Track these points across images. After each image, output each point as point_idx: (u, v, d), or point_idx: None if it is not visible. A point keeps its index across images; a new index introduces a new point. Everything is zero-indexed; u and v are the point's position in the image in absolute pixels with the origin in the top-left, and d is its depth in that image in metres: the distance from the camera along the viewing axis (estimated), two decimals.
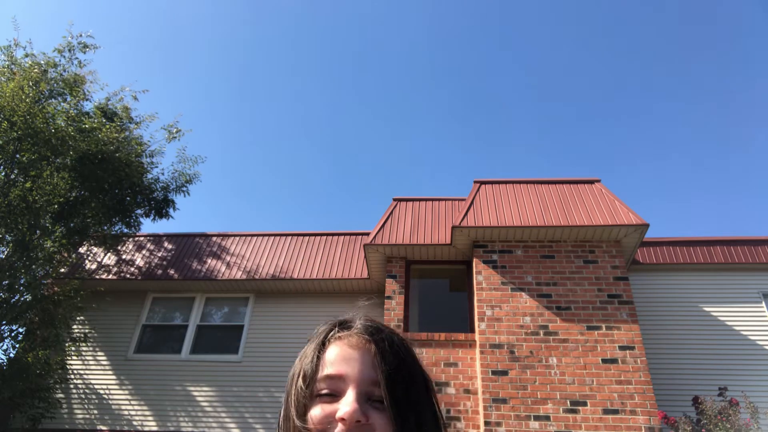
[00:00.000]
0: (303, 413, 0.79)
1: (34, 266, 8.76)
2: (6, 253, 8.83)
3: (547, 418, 7.39)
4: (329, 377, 0.80)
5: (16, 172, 9.21)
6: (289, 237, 11.25)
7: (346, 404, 0.76)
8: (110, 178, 9.99)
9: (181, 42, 31.39)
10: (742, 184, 28.70)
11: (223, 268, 10.67)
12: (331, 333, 0.87)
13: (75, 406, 9.74)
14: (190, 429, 9.41)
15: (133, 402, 9.71)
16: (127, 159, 10.18)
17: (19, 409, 8.71)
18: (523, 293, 8.41)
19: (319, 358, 0.84)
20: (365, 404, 0.77)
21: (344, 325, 0.88)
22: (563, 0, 28.05)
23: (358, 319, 0.89)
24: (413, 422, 0.78)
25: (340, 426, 0.75)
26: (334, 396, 0.79)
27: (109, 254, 11.12)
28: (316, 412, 0.78)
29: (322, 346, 0.85)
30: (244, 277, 10.45)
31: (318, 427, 0.76)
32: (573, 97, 31.00)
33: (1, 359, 8.89)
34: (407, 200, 10.28)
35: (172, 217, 11.29)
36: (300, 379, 0.83)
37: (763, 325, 9.34)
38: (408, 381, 0.82)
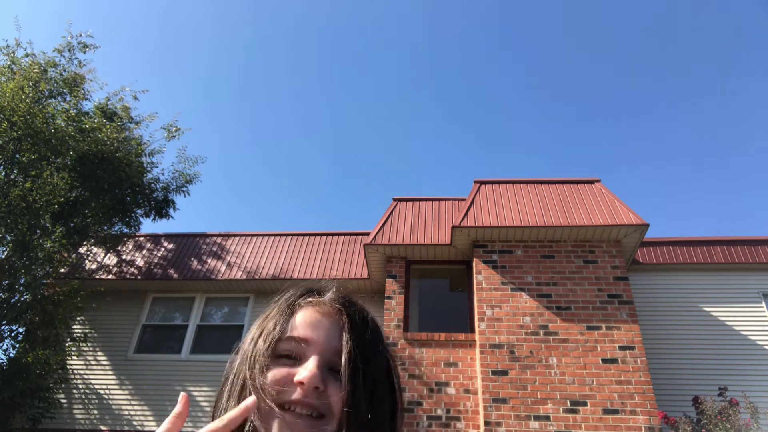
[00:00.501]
0: (259, 375, 0.76)
1: (34, 266, 8.76)
2: (6, 253, 8.83)
3: (547, 418, 7.39)
4: (293, 339, 0.78)
5: (16, 172, 9.21)
6: (289, 237, 11.25)
7: (306, 369, 0.74)
8: (110, 178, 9.99)
9: (181, 42, 31.38)
10: (742, 184, 28.70)
11: (223, 268, 10.67)
12: (302, 298, 0.85)
13: (75, 406, 9.74)
14: (190, 429, 9.41)
15: (133, 402, 9.70)
16: (127, 159, 10.18)
17: (19, 409, 8.71)
18: (523, 293, 8.41)
19: (286, 321, 0.81)
20: (326, 373, 0.75)
21: (315, 292, 0.86)
22: (563, 0, 28.04)
23: (331, 289, 0.87)
24: (367, 400, 0.76)
25: (297, 390, 0.73)
26: (295, 360, 0.77)
27: (109, 254, 11.12)
28: (273, 374, 0.76)
29: (292, 310, 0.83)
30: (244, 277, 10.45)
31: (275, 388, 0.74)
32: (573, 97, 31.00)
33: (1, 359, 8.89)
34: (407, 200, 10.28)
35: (172, 217, 11.32)
36: (261, 340, 0.80)
37: (763, 325, 9.34)
38: (371, 357, 0.79)
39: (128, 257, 11.14)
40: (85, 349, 10.17)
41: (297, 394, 0.73)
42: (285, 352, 0.78)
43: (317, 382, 0.73)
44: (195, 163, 11.39)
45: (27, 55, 10.15)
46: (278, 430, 0.72)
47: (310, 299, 0.84)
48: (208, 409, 9.52)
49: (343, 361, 0.76)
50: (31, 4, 26.87)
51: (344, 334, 0.78)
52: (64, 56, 10.46)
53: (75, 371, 9.92)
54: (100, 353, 10.26)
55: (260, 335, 0.81)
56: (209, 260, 10.91)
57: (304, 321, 0.80)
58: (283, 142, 33.99)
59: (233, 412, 0.68)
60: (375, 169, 34.04)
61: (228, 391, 0.81)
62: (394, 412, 0.82)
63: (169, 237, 11.60)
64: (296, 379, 0.74)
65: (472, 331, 8.61)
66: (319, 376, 0.73)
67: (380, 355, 0.83)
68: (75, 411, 9.68)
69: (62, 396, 9.61)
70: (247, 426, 0.75)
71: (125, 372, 10.02)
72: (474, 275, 8.76)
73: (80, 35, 10.60)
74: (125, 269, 10.84)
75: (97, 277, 10.61)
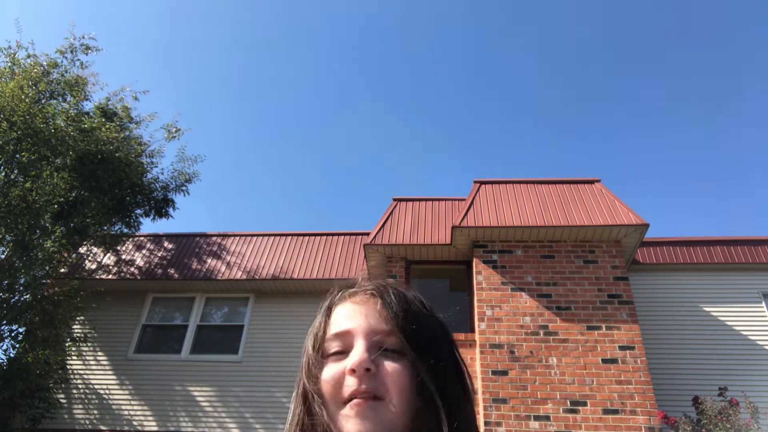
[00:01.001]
0: (316, 379, 0.78)
1: (34, 266, 8.76)
2: (6, 253, 8.83)
3: (547, 418, 7.38)
4: (337, 335, 0.80)
5: (16, 172, 9.21)
6: (289, 237, 11.25)
7: (355, 355, 0.75)
8: (110, 178, 9.99)
9: (182, 42, 31.39)
10: (742, 184, 28.72)
11: (223, 268, 10.67)
12: (337, 296, 0.87)
13: (75, 406, 9.73)
14: (190, 429, 9.41)
15: (133, 402, 9.70)
16: (127, 159, 10.18)
17: (19, 409, 8.71)
18: (523, 293, 8.41)
19: (326, 322, 0.84)
20: (376, 354, 0.75)
21: (349, 287, 0.88)
22: (563, 1, 28.05)
23: (362, 280, 0.88)
24: (430, 363, 0.76)
25: (349, 378, 0.74)
26: (344, 353, 0.78)
27: (108, 254, 11.12)
28: (327, 371, 0.77)
29: (329, 311, 0.85)
30: (244, 277, 10.44)
31: (330, 384, 0.76)
32: (573, 96, 31.02)
33: (1, 359, 8.90)
34: (407, 200, 10.28)
35: (171, 217, 11.32)
36: (310, 347, 0.83)
37: (763, 325, 9.34)
38: (418, 323, 0.79)
39: (128, 257, 11.14)
40: (85, 349, 10.17)
41: (353, 383, 0.73)
42: (334, 350, 0.79)
43: (367, 364, 0.73)
44: (194, 162, 11.40)
45: (29, 56, 10.15)
46: (346, 423, 0.73)
47: (344, 294, 0.86)
48: (209, 409, 9.53)
49: (392, 330, 0.76)
50: (34, 4, 26.89)
51: (383, 312, 0.79)
52: (66, 57, 10.46)
53: (75, 371, 9.92)
54: (100, 353, 10.26)
55: (310, 343, 0.84)
56: (209, 260, 10.91)
57: (342, 315, 0.82)
58: (283, 142, 34.03)
59: None
60: (375, 169, 34.08)
61: (295, 397, 0.83)
62: (461, 373, 0.82)
63: (169, 237, 11.60)
64: (347, 368, 0.75)
65: (472, 331, 8.61)
66: (368, 359, 0.74)
67: (426, 318, 0.82)
68: (75, 411, 9.68)
69: (62, 396, 9.61)
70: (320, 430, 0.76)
71: (125, 372, 10.02)
72: (474, 275, 8.75)
73: (83, 37, 10.61)
74: (125, 269, 10.84)
75: (97, 277, 10.61)
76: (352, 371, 0.73)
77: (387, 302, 0.81)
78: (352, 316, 0.81)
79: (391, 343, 0.76)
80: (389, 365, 0.75)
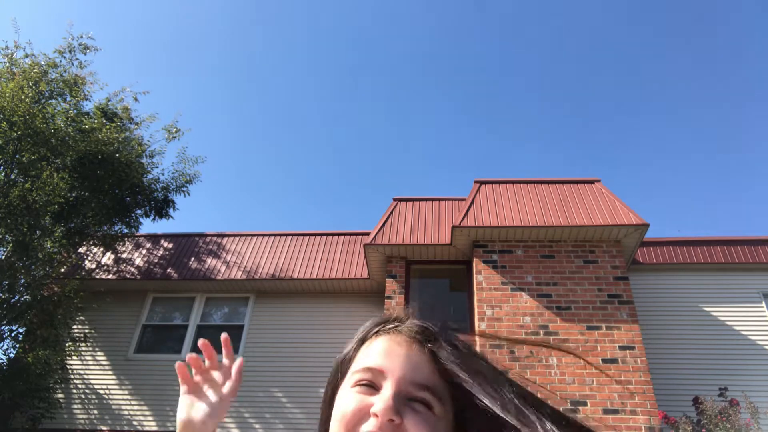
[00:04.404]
0: (330, 400, 0.80)
1: (34, 267, 8.76)
2: (6, 253, 8.83)
3: None
4: (369, 369, 0.78)
5: (16, 172, 9.21)
6: (289, 237, 11.25)
7: (382, 401, 0.73)
8: (110, 178, 10.00)
9: (185, 40, 31.41)
10: (742, 184, 28.73)
11: (223, 268, 10.68)
12: (379, 326, 0.85)
13: (75, 406, 9.74)
14: None
15: (133, 402, 9.71)
16: (127, 159, 10.18)
17: (19, 409, 8.71)
18: (523, 293, 8.41)
19: (358, 349, 0.84)
20: (403, 404, 0.73)
21: (395, 320, 0.86)
22: (563, 1, 28.06)
23: (410, 317, 0.86)
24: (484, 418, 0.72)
25: (371, 420, 0.72)
26: (373, 388, 0.76)
27: (108, 254, 11.12)
28: (350, 400, 0.76)
29: (365, 338, 0.85)
30: (244, 277, 10.45)
31: (348, 414, 0.74)
32: (574, 96, 31.03)
33: (1, 359, 8.90)
34: (407, 200, 10.28)
35: (172, 217, 11.32)
36: (335, 369, 0.85)
37: (763, 325, 9.33)
38: (464, 382, 0.76)
39: (128, 257, 11.15)
40: (85, 349, 10.17)
41: (372, 425, 0.72)
42: (364, 381, 0.77)
43: (391, 414, 0.71)
44: (195, 163, 11.40)
45: (27, 56, 10.14)
46: None
47: (388, 327, 0.84)
48: None
49: (421, 390, 0.74)
50: (35, 4, 26.89)
51: (421, 362, 0.77)
52: (65, 57, 10.44)
53: (75, 371, 9.92)
54: (100, 353, 10.26)
55: (338, 362, 0.86)
56: (209, 260, 10.91)
57: (379, 350, 0.80)
58: (284, 142, 34.06)
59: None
60: (375, 169, 34.10)
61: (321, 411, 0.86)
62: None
63: (169, 237, 11.61)
64: (372, 410, 0.73)
65: (472, 331, 8.60)
66: (393, 408, 0.72)
67: (479, 377, 0.77)
68: (75, 411, 9.69)
69: (62, 396, 9.61)
70: None
71: (125, 372, 10.03)
72: (474, 275, 8.76)
73: (81, 36, 10.59)
74: (125, 269, 10.84)
75: (97, 277, 10.62)
76: (375, 415, 0.72)
77: (429, 351, 0.79)
78: (389, 355, 0.78)
79: (422, 397, 0.74)
80: (413, 421, 0.72)
